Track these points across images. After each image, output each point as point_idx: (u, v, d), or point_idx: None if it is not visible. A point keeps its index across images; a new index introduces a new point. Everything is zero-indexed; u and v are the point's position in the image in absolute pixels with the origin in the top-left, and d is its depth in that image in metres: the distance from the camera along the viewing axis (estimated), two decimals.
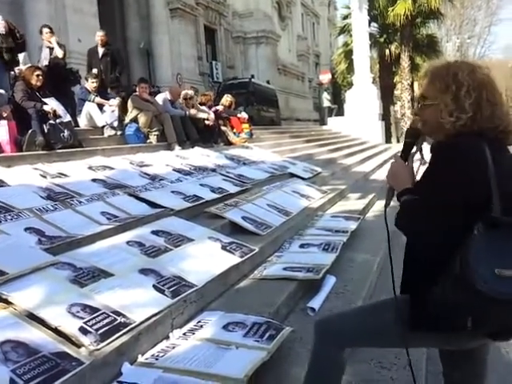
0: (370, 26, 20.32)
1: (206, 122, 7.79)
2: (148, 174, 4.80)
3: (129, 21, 15.91)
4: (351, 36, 20.47)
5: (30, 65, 6.34)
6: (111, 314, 2.08)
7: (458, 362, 1.53)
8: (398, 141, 21.06)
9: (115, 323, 2.03)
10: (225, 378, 1.83)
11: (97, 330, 1.95)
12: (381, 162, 10.88)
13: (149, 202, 3.91)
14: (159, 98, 7.61)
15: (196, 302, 2.52)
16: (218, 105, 9.39)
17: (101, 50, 8.11)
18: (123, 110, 7.13)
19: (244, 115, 9.70)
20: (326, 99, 28.83)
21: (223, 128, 8.51)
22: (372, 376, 2.12)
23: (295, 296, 2.89)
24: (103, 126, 6.74)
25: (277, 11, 27.66)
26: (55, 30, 7.86)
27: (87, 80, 7.12)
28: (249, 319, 2.35)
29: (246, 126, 9.45)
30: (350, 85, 20.66)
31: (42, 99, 5.55)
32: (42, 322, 1.93)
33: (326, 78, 30.54)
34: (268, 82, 19.63)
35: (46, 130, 5.16)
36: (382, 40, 22.52)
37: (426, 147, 1.53)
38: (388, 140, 19.69)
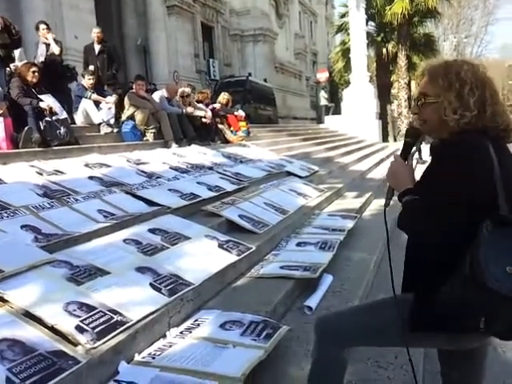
0: (367, 24, 20.34)
1: (203, 119, 7.78)
2: (145, 172, 4.79)
3: (126, 18, 15.86)
4: (348, 35, 20.47)
5: (26, 61, 6.30)
6: (108, 313, 2.07)
7: (457, 361, 1.52)
8: (395, 140, 21.09)
9: (112, 322, 2.02)
10: (222, 376, 1.83)
11: (93, 328, 1.94)
12: (378, 160, 10.90)
13: (145, 199, 3.90)
14: (156, 96, 7.59)
15: (193, 300, 2.52)
16: (215, 103, 9.37)
17: (97, 47, 8.06)
18: (120, 107, 7.11)
19: (241, 113, 9.68)
20: (323, 98, 28.78)
21: (220, 126, 8.49)
22: (369, 375, 2.12)
23: (292, 295, 2.89)
24: (100, 124, 6.72)
25: (274, 9, 27.61)
26: (51, 27, 7.80)
27: (84, 77, 7.09)
28: (246, 318, 2.35)
29: (243, 124, 9.43)
30: (347, 83, 20.63)
31: (38, 96, 5.52)
32: (38, 321, 1.92)
33: (323, 76, 30.51)
34: (265, 80, 19.61)
35: (42, 127, 5.13)
36: (379, 39, 22.52)
37: (425, 146, 1.53)
38: (385, 139, 19.71)
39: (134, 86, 7.40)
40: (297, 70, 30.64)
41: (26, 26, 9.10)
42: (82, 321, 1.97)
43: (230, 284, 2.94)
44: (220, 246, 3.22)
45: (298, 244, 3.79)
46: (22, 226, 2.90)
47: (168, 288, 2.44)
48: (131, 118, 6.83)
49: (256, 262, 3.32)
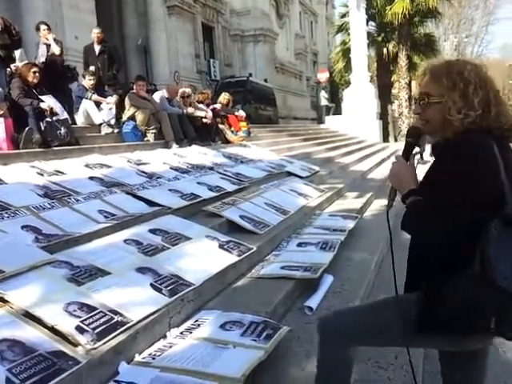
0: (367, 24, 20.35)
1: (204, 120, 7.78)
2: (145, 172, 4.79)
3: (126, 18, 15.87)
4: (349, 35, 20.49)
5: (26, 62, 6.31)
6: (108, 313, 2.07)
7: (459, 362, 1.51)
8: (396, 140, 21.09)
9: (112, 322, 2.02)
10: (222, 377, 1.83)
11: (94, 328, 1.94)
12: (378, 160, 10.90)
13: (146, 200, 3.90)
14: (156, 96, 7.59)
15: (193, 300, 2.52)
16: (215, 103, 9.37)
17: (97, 48, 8.06)
18: (120, 107, 7.11)
19: (242, 113, 9.68)
20: (323, 98, 28.78)
21: (221, 126, 8.49)
22: (369, 376, 2.12)
23: (292, 295, 2.89)
24: (100, 124, 6.72)
25: (275, 9, 27.62)
26: (52, 27, 7.80)
27: (84, 77, 7.10)
28: (246, 318, 2.35)
29: (244, 124, 9.44)
30: (348, 83, 20.65)
31: (39, 96, 5.53)
32: (38, 321, 1.92)
33: (323, 76, 30.51)
34: (266, 81, 19.62)
35: (42, 128, 5.13)
36: (379, 39, 22.54)
37: (427, 146, 1.52)
38: (385, 139, 19.71)
39: (134, 87, 7.40)
40: (297, 70, 30.63)
41: (26, 27, 9.10)
42: (82, 321, 1.97)
43: (231, 284, 2.94)
44: (221, 246, 3.22)
45: (299, 244, 3.79)
46: (22, 227, 2.90)
47: (168, 288, 2.44)
48: (132, 118, 6.83)
49: (256, 263, 3.32)
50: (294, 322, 2.54)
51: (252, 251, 3.28)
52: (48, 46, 7.36)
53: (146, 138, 6.83)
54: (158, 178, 4.67)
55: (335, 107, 25.89)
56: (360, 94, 17.97)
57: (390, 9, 19.92)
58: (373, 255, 3.77)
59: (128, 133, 6.73)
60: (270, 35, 23.83)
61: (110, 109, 6.87)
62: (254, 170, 6.12)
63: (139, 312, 2.15)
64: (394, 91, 24.73)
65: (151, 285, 2.44)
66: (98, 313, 2.06)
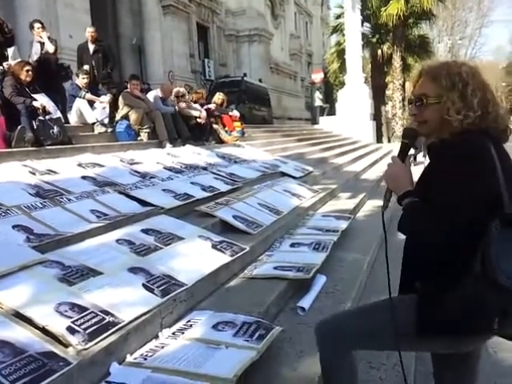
0: (362, 25, 20.40)
1: (198, 119, 7.77)
2: (138, 172, 4.77)
3: (121, 17, 15.82)
4: (344, 35, 20.55)
5: (19, 60, 6.27)
6: (100, 313, 2.06)
7: (452, 363, 1.51)
8: (389, 141, 21.19)
9: (104, 322, 2.01)
10: (214, 377, 1.82)
11: (85, 329, 1.93)
12: (372, 161, 10.93)
13: (139, 200, 3.88)
14: (150, 96, 7.57)
15: (186, 301, 2.51)
16: (210, 103, 9.35)
17: (91, 47, 8.04)
18: (114, 106, 7.08)
19: (236, 113, 9.67)
20: (318, 98, 28.88)
21: (215, 126, 8.48)
22: (361, 376, 2.11)
23: (285, 295, 2.89)
24: (94, 123, 6.70)
25: (270, 9, 27.64)
26: (46, 25, 7.77)
27: (78, 76, 7.06)
28: (238, 319, 2.35)
29: (238, 124, 9.43)
30: (342, 84, 20.71)
31: (32, 95, 5.49)
32: (29, 321, 1.90)
33: (318, 77, 30.60)
34: (260, 81, 19.62)
35: (35, 126, 5.11)
36: (374, 40, 22.62)
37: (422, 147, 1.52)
38: (379, 140, 19.79)
39: (128, 86, 7.37)
40: (292, 70, 30.68)
41: (20, 25, 9.05)
42: (73, 322, 1.95)
43: (223, 285, 2.94)
44: (213, 246, 3.21)
45: (292, 245, 3.79)
46: (13, 226, 2.87)
47: (161, 289, 2.43)
48: (125, 117, 6.80)
49: (249, 263, 3.32)
50: (286, 323, 2.54)
51: (245, 251, 3.28)
52: (42, 44, 7.32)
53: (139, 138, 6.80)
54: (151, 177, 4.65)
55: (329, 108, 25.99)
56: (354, 94, 18.02)
57: (385, 10, 20.00)
58: (365, 256, 3.78)
59: (121, 132, 6.70)
60: (264, 35, 23.86)
61: (104, 108, 6.85)
62: (248, 170, 6.12)
63: (131, 312, 2.14)
64: (388, 92, 24.84)
65: (143, 285, 2.43)
66: (90, 313, 2.05)
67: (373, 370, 2.19)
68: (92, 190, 3.86)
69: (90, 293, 2.22)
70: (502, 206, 1.21)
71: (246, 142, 8.63)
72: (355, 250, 3.93)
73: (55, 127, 5.31)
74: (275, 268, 3.15)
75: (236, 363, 1.92)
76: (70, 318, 1.98)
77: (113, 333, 1.97)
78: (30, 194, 3.48)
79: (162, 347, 2.10)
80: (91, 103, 6.84)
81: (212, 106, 9.02)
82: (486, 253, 1.17)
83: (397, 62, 21.21)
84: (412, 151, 1.53)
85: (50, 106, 5.60)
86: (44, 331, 1.86)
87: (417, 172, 1.45)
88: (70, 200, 3.54)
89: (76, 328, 1.92)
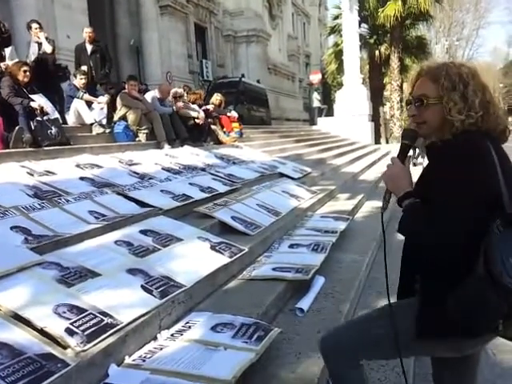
0: (360, 26, 20.42)
1: (196, 120, 7.76)
2: (137, 173, 4.76)
3: (119, 18, 15.78)
4: (341, 36, 20.55)
5: (17, 60, 6.25)
6: (98, 315, 2.06)
7: (452, 364, 1.51)
8: (387, 142, 21.20)
9: (102, 324, 2.00)
10: (213, 379, 1.82)
11: (83, 330, 1.92)
12: (370, 162, 10.94)
13: (137, 201, 3.88)
14: (148, 96, 7.56)
15: (184, 302, 2.51)
16: (207, 104, 9.35)
17: (89, 47, 8.02)
18: (112, 107, 7.07)
19: (234, 114, 9.68)
20: (315, 99, 28.90)
21: (213, 127, 8.48)
22: None
23: (284, 297, 2.89)
24: (91, 124, 6.68)
25: (267, 10, 27.64)
26: (43, 26, 7.75)
27: (76, 77, 7.04)
28: (237, 320, 2.34)
29: (236, 125, 9.43)
30: (340, 85, 20.72)
31: (30, 95, 5.48)
32: (27, 323, 1.89)
33: (316, 78, 30.62)
34: (258, 82, 19.60)
35: (33, 127, 5.10)
36: (372, 41, 22.63)
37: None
38: (377, 141, 19.79)
39: (126, 86, 7.36)
40: (290, 71, 30.68)
41: (17, 26, 9.03)
42: (71, 323, 1.95)
43: (222, 286, 2.93)
44: (212, 247, 3.21)
45: (291, 246, 3.78)
46: (11, 227, 2.86)
47: (159, 290, 2.43)
48: (123, 118, 6.79)
49: (248, 264, 3.31)
50: (285, 324, 2.54)
51: (243, 252, 3.28)
52: (39, 44, 7.31)
53: (137, 139, 6.80)
54: (149, 178, 4.64)
55: (327, 109, 26.00)
56: (352, 95, 18.04)
57: (383, 11, 20.02)
58: (364, 257, 3.78)
59: (119, 133, 6.69)
60: (262, 36, 23.85)
61: (102, 108, 6.84)
62: (246, 171, 6.12)
63: (129, 314, 2.13)
64: (385, 93, 24.85)
65: (142, 286, 2.42)
66: (88, 315, 2.04)
67: (372, 371, 2.19)
68: (90, 191, 3.86)
69: (89, 294, 2.22)
70: (503, 206, 1.21)
71: (244, 143, 8.63)
72: (354, 251, 3.93)
73: (53, 128, 5.30)
74: (274, 269, 3.14)
75: (235, 365, 1.91)
76: (69, 319, 1.97)
77: (111, 334, 1.97)
78: (28, 194, 3.48)
79: (161, 349, 2.09)
80: (89, 104, 6.82)
81: (210, 107, 9.02)
82: (489, 254, 1.17)
83: (394, 62, 21.23)
84: (411, 152, 1.52)
85: (47, 106, 5.59)
86: (42, 333, 1.86)
87: (416, 173, 1.45)
88: (68, 201, 3.53)
89: (74, 329, 1.91)
